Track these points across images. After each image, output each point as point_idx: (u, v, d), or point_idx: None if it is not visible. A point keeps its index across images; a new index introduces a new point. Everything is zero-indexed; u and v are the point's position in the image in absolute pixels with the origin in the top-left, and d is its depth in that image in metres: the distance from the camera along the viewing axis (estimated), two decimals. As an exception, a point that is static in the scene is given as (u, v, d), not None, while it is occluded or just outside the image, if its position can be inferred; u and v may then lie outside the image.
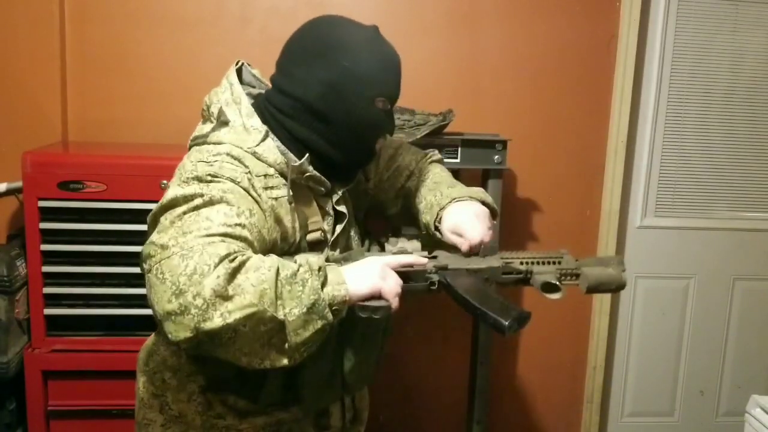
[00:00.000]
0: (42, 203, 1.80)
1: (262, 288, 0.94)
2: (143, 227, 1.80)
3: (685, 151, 2.58)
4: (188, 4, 2.21)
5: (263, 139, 1.15)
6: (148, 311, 1.93)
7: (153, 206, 1.85)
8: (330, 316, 0.99)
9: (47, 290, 1.85)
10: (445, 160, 2.07)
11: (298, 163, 1.15)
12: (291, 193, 1.14)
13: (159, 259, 0.96)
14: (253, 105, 1.21)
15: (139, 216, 1.84)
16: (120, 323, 1.88)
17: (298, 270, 0.99)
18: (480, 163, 2.10)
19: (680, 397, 2.75)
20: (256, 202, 1.08)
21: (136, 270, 1.86)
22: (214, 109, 1.19)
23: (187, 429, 1.21)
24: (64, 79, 2.17)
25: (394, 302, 1.06)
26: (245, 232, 1.02)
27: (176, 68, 2.22)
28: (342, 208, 1.25)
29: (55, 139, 2.15)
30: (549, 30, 2.37)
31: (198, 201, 1.02)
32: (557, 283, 1.18)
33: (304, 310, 0.97)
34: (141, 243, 1.90)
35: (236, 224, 1.01)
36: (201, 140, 1.19)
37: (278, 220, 1.14)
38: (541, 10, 2.36)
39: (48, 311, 1.86)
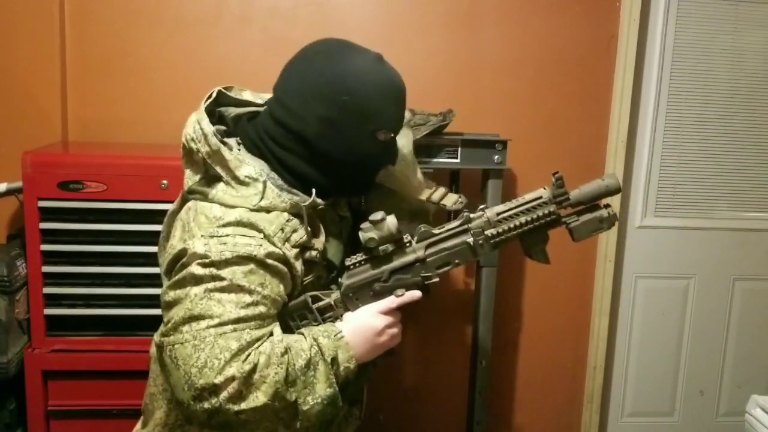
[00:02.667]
0: (42, 203, 1.80)
1: (275, 389, 1.00)
2: (143, 227, 1.83)
3: (685, 151, 2.57)
4: (188, 4, 2.21)
5: (264, 189, 1.10)
6: (147, 311, 1.94)
7: (153, 206, 1.86)
8: (341, 404, 1.06)
9: (47, 290, 1.85)
10: (445, 160, 2.09)
11: (308, 202, 1.12)
12: (309, 230, 1.13)
13: (172, 342, 1.01)
14: (239, 127, 1.18)
15: (139, 216, 1.84)
16: (120, 323, 1.88)
17: (310, 358, 1.03)
18: (480, 163, 2.10)
19: (680, 397, 2.75)
20: (271, 269, 1.07)
21: (136, 270, 1.86)
22: (198, 159, 1.13)
23: None
24: (64, 79, 2.17)
25: (397, 341, 1.17)
26: (258, 309, 1.04)
27: (176, 68, 2.22)
28: (344, 213, 1.25)
29: (55, 139, 2.15)
30: (549, 30, 2.37)
31: (210, 285, 1.02)
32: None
33: (318, 400, 1.03)
34: (141, 243, 1.91)
35: (248, 304, 1.03)
36: (199, 196, 1.13)
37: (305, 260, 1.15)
38: (541, 10, 2.36)
39: (48, 311, 1.86)
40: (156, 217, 1.82)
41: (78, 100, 2.20)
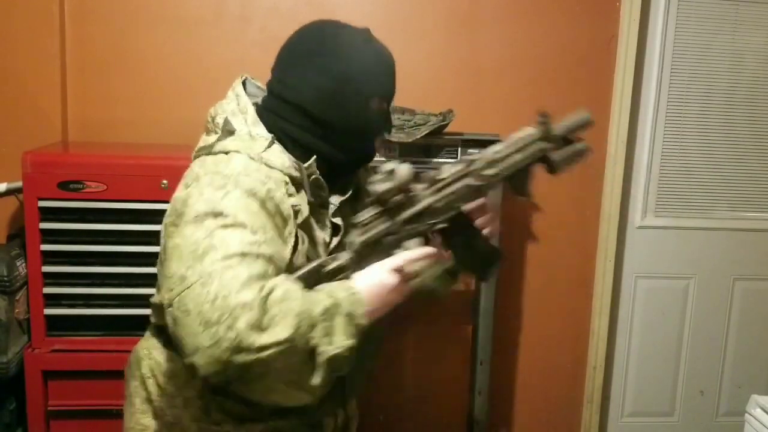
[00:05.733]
0: (42, 203, 1.80)
1: (298, 321, 0.94)
2: (143, 227, 1.83)
3: (685, 151, 2.58)
4: (188, 4, 2.21)
5: (269, 146, 1.13)
6: (147, 311, 1.93)
7: (153, 206, 1.86)
8: (353, 359, 1.01)
9: (47, 290, 1.84)
10: (445, 160, 2.09)
11: (307, 164, 1.14)
12: (309, 192, 1.14)
13: (179, 291, 0.95)
14: (257, 114, 1.21)
15: (139, 216, 1.84)
16: (120, 323, 1.88)
17: (328, 307, 0.99)
18: (480, 163, 2.10)
19: (680, 397, 2.75)
20: (269, 214, 1.05)
21: (136, 270, 1.86)
22: (220, 120, 1.17)
23: None
24: (64, 79, 2.18)
25: (431, 271, 1.10)
26: (263, 248, 1.00)
27: (176, 68, 2.22)
28: (338, 220, 1.22)
29: (55, 139, 2.15)
30: (549, 30, 2.37)
31: (211, 223, 0.99)
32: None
33: (339, 350, 0.98)
34: (141, 243, 1.91)
35: (253, 242, 0.99)
36: (206, 151, 1.16)
37: (300, 226, 1.13)
38: (541, 11, 2.36)
39: (48, 311, 1.85)
40: (156, 217, 1.82)
41: (78, 100, 2.20)
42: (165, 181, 1.81)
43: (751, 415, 1.71)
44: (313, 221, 1.17)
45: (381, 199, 1.13)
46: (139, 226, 1.84)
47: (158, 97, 2.22)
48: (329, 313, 0.99)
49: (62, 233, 1.83)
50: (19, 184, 1.87)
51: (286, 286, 0.98)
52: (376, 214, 1.15)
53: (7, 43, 2.11)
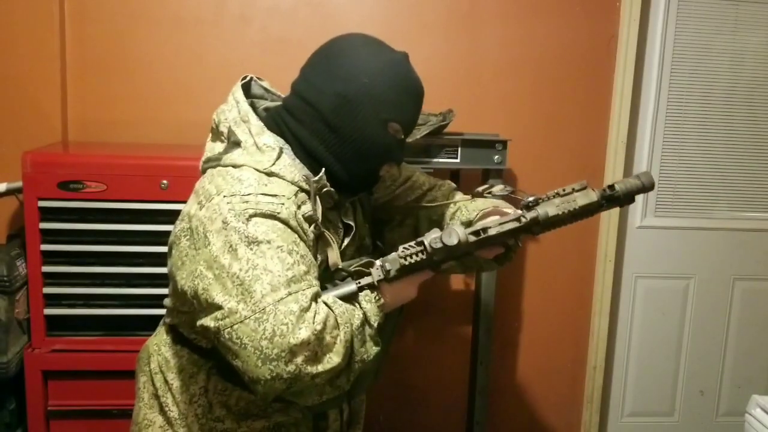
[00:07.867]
0: (42, 203, 1.80)
1: (346, 348, 1.01)
2: (143, 227, 1.83)
3: (685, 151, 2.58)
4: (188, 4, 2.21)
5: (278, 157, 1.13)
6: (147, 311, 1.95)
7: (153, 206, 1.86)
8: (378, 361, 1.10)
9: (47, 290, 1.85)
10: (445, 160, 2.09)
11: (317, 177, 1.13)
12: (320, 209, 1.13)
13: (230, 323, 0.99)
14: (267, 117, 1.20)
15: (139, 216, 1.84)
16: (120, 323, 1.88)
17: (362, 318, 1.06)
18: (480, 163, 2.10)
19: (680, 397, 2.75)
20: (295, 230, 1.07)
21: (136, 270, 1.87)
22: (224, 129, 1.17)
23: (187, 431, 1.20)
24: (64, 79, 2.18)
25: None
26: (302, 267, 1.03)
27: (176, 68, 2.22)
28: (349, 221, 1.23)
29: (55, 139, 2.16)
30: (549, 30, 2.37)
31: (249, 253, 1.01)
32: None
33: (372, 356, 1.07)
34: (141, 243, 1.91)
35: (292, 264, 1.02)
36: (215, 163, 1.16)
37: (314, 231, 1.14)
38: (541, 10, 2.36)
39: (48, 311, 1.86)
40: (156, 217, 1.82)
41: (78, 100, 2.20)
42: (165, 181, 1.81)
43: (751, 415, 1.71)
44: (324, 226, 1.17)
45: (428, 251, 1.11)
46: (139, 226, 1.84)
47: (158, 97, 2.22)
48: (362, 324, 1.06)
49: (62, 233, 1.83)
50: (19, 184, 1.88)
51: (334, 310, 1.03)
52: (417, 251, 1.13)
53: (7, 43, 2.11)
